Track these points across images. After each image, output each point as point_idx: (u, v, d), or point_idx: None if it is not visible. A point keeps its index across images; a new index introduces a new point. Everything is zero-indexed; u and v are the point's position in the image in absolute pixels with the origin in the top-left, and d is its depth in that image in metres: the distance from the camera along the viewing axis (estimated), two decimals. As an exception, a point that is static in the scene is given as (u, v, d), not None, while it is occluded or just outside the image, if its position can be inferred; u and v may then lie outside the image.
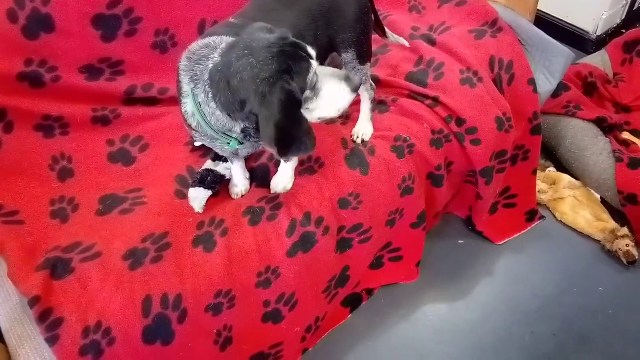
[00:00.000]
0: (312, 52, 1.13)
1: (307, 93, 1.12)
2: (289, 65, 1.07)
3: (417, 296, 1.80)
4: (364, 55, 1.46)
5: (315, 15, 1.36)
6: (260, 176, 1.53)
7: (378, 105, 1.66)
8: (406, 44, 1.72)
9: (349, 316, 1.74)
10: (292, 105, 1.08)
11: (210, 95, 1.15)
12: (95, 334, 1.17)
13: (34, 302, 1.19)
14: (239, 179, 1.49)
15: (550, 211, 2.05)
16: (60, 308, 1.20)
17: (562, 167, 2.16)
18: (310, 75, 1.10)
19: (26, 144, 1.51)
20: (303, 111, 1.14)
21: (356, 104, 1.66)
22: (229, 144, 1.25)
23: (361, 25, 1.42)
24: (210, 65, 1.14)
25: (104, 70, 1.64)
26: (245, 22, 1.24)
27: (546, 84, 1.87)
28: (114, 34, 1.63)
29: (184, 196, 1.46)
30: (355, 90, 1.17)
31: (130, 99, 1.67)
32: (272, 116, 1.06)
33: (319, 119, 1.19)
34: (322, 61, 1.45)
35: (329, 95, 1.15)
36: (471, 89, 1.67)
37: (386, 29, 1.63)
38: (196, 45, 1.20)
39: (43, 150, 1.53)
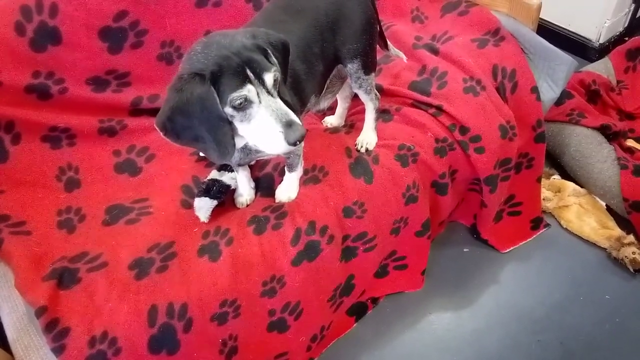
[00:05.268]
0: (269, 78, 1.08)
1: (228, 110, 1.07)
2: (219, 71, 1.05)
3: (422, 305, 1.80)
4: (369, 66, 1.48)
5: (323, 26, 1.37)
6: (265, 185, 1.54)
7: (382, 114, 1.67)
8: (404, 58, 1.71)
9: (355, 325, 1.74)
10: (197, 103, 1.04)
11: None
12: (101, 344, 1.18)
13: (40, 312, 1.19)
14: (244, 189, 1.50)
15: (556, 219, 2.05)
16: (67, 318, 1.20)
17: (566, 175, 2.15)
18: (235, 95, 1.05)
19: (33, 155, 1.53)
20: (237, 125, 1.11)
21: (360, 113, 1.68)
22: None
23: (367, 36, 1.44)
24: None
25: (110, 82, 1.66)
26: None
27: (549, 92, 1.87)
28: (120, 46, 1.65)
29: (189, 206, 1.47)
30: (293, 144, 1.07)
31: (136, 110, 1.69)
32: (170, 100, 1.06)
33: (253, 144, 1.16)
34: (327, 72, 1.47)
35: (259, 129, 1.09)
36: (474, 98, 1.68)
37: (388, 41, 1.64)
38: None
39: (50, 161, 1.55)
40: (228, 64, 1.05)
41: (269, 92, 1.09)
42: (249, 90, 1.06)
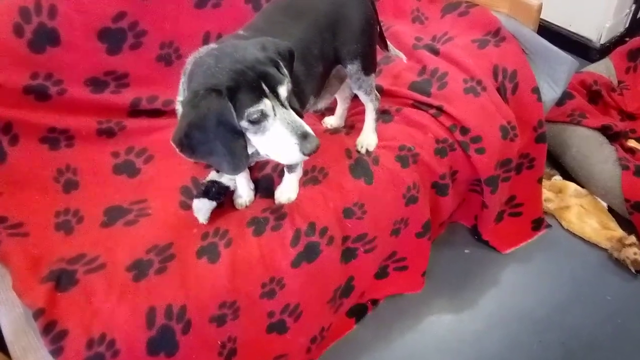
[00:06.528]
0: (283, 91, 1.10)
1: (244, 124, 1.09)
2: (236, 86, 1.05)
3: (422, 306, 1.79)
4: (369, 67, 1.47)
5: (322, 27, 1.37)
6: (264, 187, 1.53)
7: (382, 114, 1.66)
8: (404, 59, 1.71)
9: (354, 326, 1.73)
10: (213, 118, 1.05)
11: (181, 90, 1.20)
12: (99, 346, 1.17)
13: (38, 314, 1.19)
14: (243, 190, 1.49)
15: (557, 220, 2.04)
16: (65, 320, 1.19)
17: (567, 176, 2.15)
18: (252, 109, 1.06)
19: (31, 156, 1.52)
20: (250, 137, 1.13)
21: (360, 113, 1.67)
22: None
23: (366, 37, 1.43)
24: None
25: (109, 83, 1.66)
26: (253, 34, 1.25)
27: (550, 93, 1.86)
28: (119, 47, 1.64)
29: (188, 207, 1.46)
30: (307, 154, 1.10)
31: (135, 111, 1.68)
32: (187, 116, 1.06)
33: (265, 154, 1.17)
34: (326, 73, 1.46)
35: (273, 140, 1.11)
36: (475, 98, 1.67)
37: (388, 42, 1.64)
38: (204, 49, 1.21)
39: (48, 162, 1.54)
40: (244, 79, 1.06)
41: (282, 105, 1.11)
42: (266, 104, 1.08)
